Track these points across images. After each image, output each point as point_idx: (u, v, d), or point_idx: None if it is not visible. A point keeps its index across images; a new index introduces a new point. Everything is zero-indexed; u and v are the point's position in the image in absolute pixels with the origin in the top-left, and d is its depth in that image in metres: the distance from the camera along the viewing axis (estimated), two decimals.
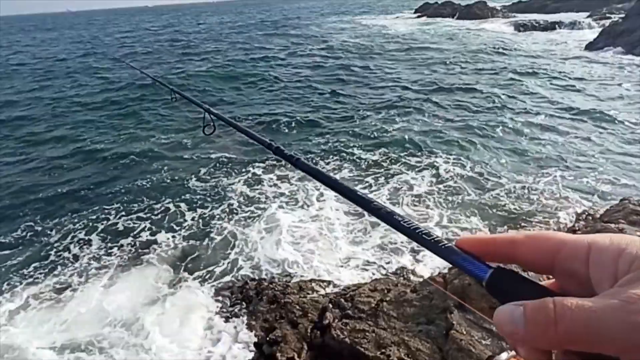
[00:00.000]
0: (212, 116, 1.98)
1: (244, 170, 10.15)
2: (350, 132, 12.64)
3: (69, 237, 7.66)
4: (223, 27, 56.96)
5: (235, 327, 5.13)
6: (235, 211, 8.26)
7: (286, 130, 13.54)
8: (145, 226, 7.87)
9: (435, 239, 0.55)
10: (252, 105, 16.72)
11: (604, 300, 0.39)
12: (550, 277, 0.52)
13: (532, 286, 0.46)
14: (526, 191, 8.57)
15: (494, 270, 0.49)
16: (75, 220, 8.26)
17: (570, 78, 17.86)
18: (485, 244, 0.52)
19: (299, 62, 25.41)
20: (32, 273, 6.62)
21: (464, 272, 0.52)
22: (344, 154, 10.98)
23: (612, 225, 5.66)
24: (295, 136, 13.01)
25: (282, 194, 8.76)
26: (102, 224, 8.06)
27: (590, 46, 24.57)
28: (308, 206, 8.18)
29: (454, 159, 10.31)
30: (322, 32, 41.96)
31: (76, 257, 7.01)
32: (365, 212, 0.73)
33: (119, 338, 5.08)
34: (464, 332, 3.68)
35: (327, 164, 10.48)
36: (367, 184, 9.21)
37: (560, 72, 18.80)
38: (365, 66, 22.99)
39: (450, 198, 8.39)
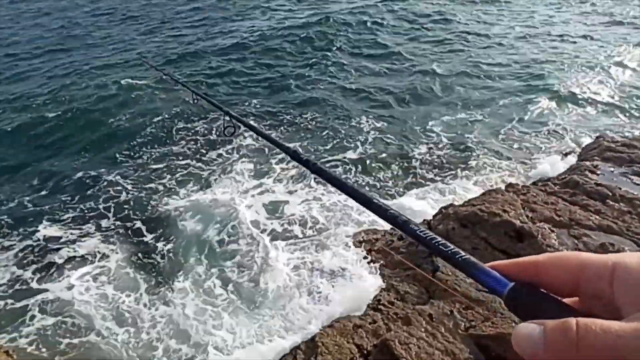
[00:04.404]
0: (232, 119, 2.10)
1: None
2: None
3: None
4: None
5: None
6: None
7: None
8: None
9: (452, 250, 0.55)
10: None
11: (631, 324, 0.37)
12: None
13: (554, 303, 0.44)
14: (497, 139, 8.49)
15: (514, 284, 0.47)
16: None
17: None
18: (509, 267, 0.49)
19: None
20: None
21: (483, 286, 0.50)
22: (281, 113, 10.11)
23: (587, 163, 5.86)
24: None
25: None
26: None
27: None
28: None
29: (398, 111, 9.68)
30: None
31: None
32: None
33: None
34: (449, 273, 3.86)
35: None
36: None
37: None
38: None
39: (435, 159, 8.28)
